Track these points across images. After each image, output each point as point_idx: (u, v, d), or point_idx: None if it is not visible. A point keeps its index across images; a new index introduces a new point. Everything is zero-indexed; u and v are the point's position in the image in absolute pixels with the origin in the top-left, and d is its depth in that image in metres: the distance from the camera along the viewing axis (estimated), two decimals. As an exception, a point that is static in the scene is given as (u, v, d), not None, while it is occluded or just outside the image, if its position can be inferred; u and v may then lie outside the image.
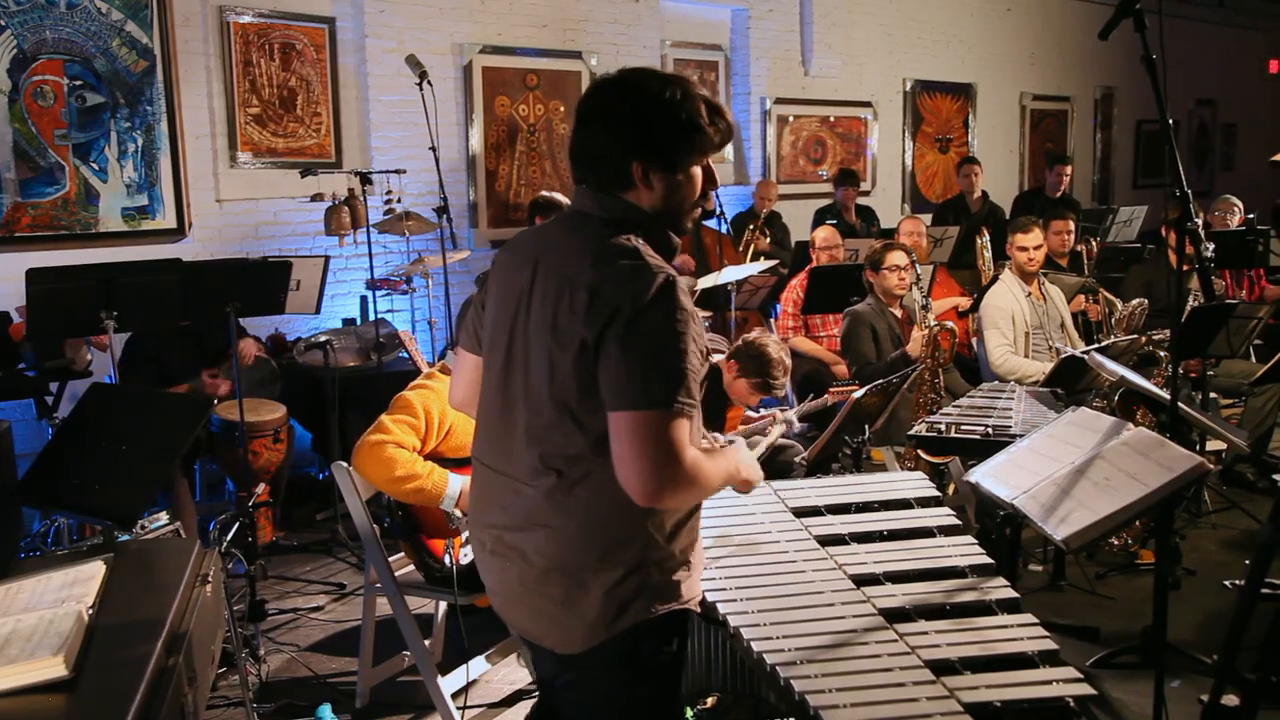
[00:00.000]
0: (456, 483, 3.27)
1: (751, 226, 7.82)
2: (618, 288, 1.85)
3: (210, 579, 2.26)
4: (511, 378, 2.02)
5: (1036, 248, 5.47)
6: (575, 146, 2.02)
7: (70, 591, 2.03)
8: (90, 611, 1.96)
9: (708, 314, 5.99)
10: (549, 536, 1.97)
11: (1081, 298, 6.28)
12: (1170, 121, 2.81)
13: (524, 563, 2.01)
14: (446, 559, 3.35)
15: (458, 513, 3.29)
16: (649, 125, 1.92)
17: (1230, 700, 2.48)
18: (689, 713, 3.33)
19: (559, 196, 6.17)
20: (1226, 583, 4.46)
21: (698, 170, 2.00)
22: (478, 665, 3.72)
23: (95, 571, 2.14)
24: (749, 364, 4.30)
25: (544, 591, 1.99)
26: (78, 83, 5.72)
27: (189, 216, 6.13)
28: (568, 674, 2.07)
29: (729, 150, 9.19)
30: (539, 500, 1.98)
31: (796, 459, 4.30)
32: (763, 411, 4.61)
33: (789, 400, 6.23)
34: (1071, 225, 6.85)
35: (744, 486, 2.15)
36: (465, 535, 3.32)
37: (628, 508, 1.90)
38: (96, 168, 5.82)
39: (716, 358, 4.79)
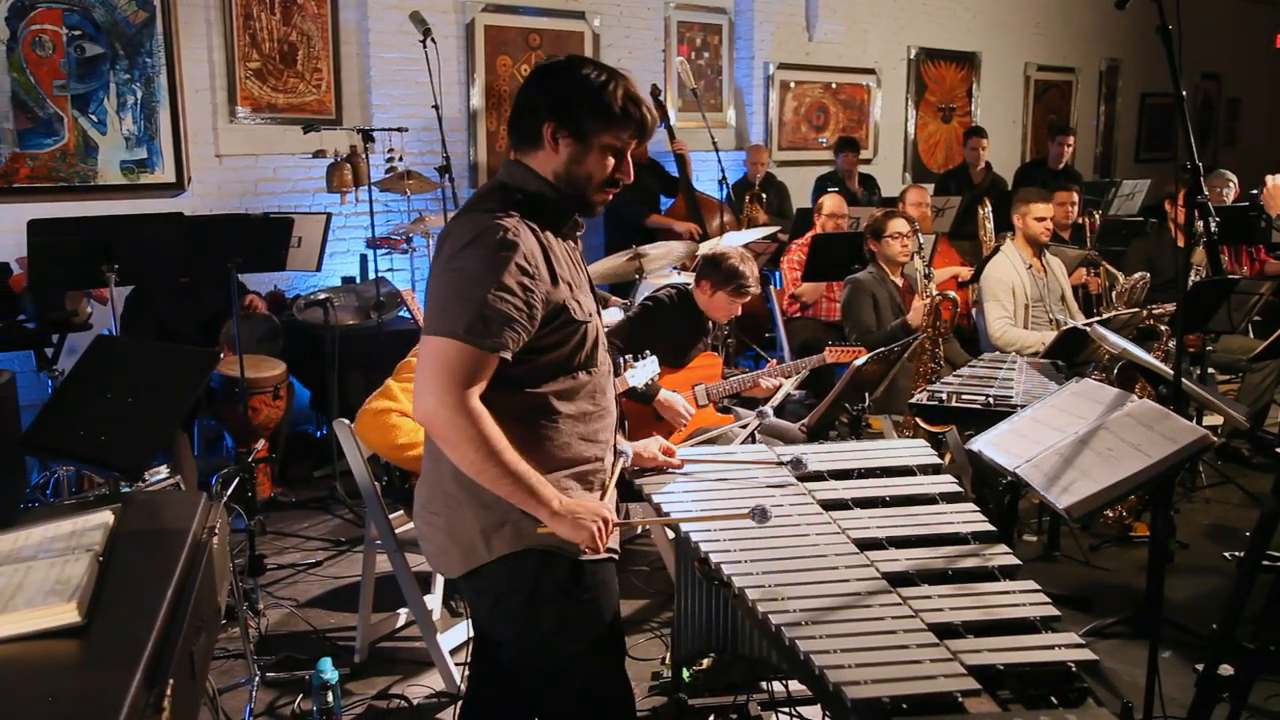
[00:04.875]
0: None
1: (748, 197, 7.75)
2: (454, 229, 2.07)
3: (217, 531, 2.27)
4: None
5: (1052, 219, 5.56)
6: (511, 110, 2.22)
7: (80, 540, 2.04)
8: (100, 559, 1.96)
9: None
10: (434, 460, 2.17)
11: (1083, 270, 6.28)
12: (1182, 94, 2.80)
13: (424, 487, 2.24)
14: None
15: None
16: (565, 92, 2.09)
17: (1225, 670, 2.50)
18: (685, 673, 3.36)
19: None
20: (1226, 554, 4.49)
21: (608, 153, 2.12)
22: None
23: (104, 520, 2.14)
24: (718, 276, 4.34)
25: (431, 516, 2.20)
26: (76, 33, 5.65)
27: (189, 171, 6.09)
28: (470, 597, 2.28)
29: (730, 115, 9.12)
30: None
31: (797, 426, 4.30)
32: (758, 372, 4.58)
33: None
34: (1075, 197, 6.85)
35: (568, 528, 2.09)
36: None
37: None
38: (95, 119, 5.77)
39: (683, 280, 4.78)
